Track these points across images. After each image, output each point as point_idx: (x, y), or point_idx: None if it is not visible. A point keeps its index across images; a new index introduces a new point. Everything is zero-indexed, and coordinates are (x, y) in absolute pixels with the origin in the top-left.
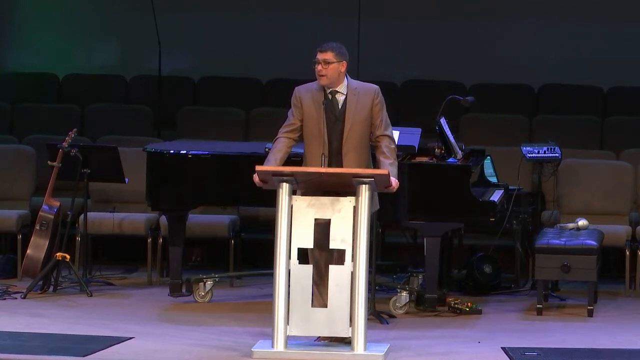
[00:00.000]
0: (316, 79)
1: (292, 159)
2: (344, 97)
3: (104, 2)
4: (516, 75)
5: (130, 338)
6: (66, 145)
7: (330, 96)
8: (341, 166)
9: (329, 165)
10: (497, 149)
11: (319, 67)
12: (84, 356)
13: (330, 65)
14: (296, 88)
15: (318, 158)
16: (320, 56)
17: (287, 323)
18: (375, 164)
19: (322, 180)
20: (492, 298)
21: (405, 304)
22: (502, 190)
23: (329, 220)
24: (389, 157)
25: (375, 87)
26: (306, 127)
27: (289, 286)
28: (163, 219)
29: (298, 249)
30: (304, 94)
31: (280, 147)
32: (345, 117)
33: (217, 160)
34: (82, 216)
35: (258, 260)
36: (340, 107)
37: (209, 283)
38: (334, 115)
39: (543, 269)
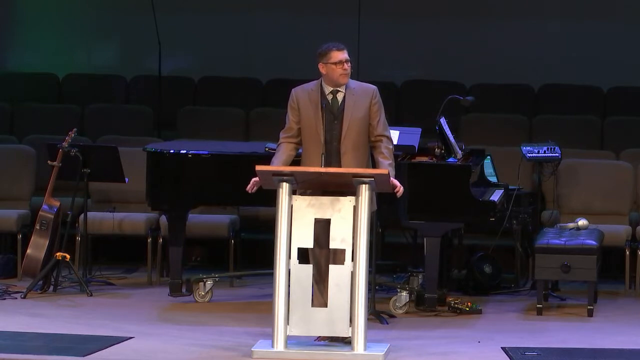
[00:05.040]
0: (313, 80)
1: (292, 159)
2: (343, 95)
3: (104, 2)
4: (516, 75)
5: (130, 338)
6: (66, 145)
7: (331, 95)
8: (340, 166)
9: (328, 165)
10: (497, 149)
11: (345, 66)
12: (84, 356)
13: (350, 64)
14: (293, 89)
15: (316, 158)
16: (343, 55)
17: (287, 323)
18: (374, 164)
19: (322, 180)
20: (492, 298)
21: (405, 304)
22: (502, 190)
23: (329, 219)
24: (388, 158)
25: (373, 87)
26: (304, 127)
27: (289, 286)
28: (163, 219)
29: (298, 248)
30: (301, 95)
31: (282, 151)
32: (343, 117)
33: (217, 160)
34: (82, 216)
35: (258, 260)
36: (339, 106)
37: (209, 283)
38: (332, 115)
39: (543, 269)
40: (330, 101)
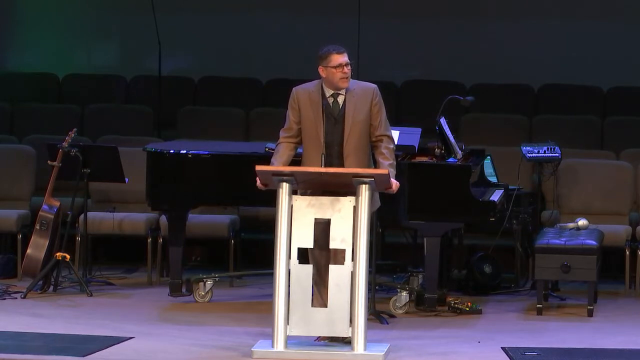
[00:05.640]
0: (313, 80)
1: (292, 159)
2: (343, 98)
3: (104, 2)
4: (516, 75)
5: (130, 338)
6: (66, 145)
7: (332, 98)
8: (342, 167)
9: (329, 166)
10: (497, 149)
11: (345, 69)
12: (84, 356)
13: (350, 66)
14: (294, 88)
15: (316, 159)
16: (343, 59)
17: (287, 323)
18: (375, 164)
19: (322, 180)
20: (492, 298)
21: (405, 304)
22: (502, 190)
23: (329, 220)
24: (388, 158)
25: (373, 86)
26: (304, 128)
27: (289, 286)
28: (163, 219)
29: (298, 249)
30: (302, 95)
31: (282, 151)
32: (345, 119)
33: (217, 160)
34: (82, 216)
35: (258, 260)
36: (340, 109)
37: (209, 283)
38: (334, 117)
39: (543, 269)
40: (331, 104)
